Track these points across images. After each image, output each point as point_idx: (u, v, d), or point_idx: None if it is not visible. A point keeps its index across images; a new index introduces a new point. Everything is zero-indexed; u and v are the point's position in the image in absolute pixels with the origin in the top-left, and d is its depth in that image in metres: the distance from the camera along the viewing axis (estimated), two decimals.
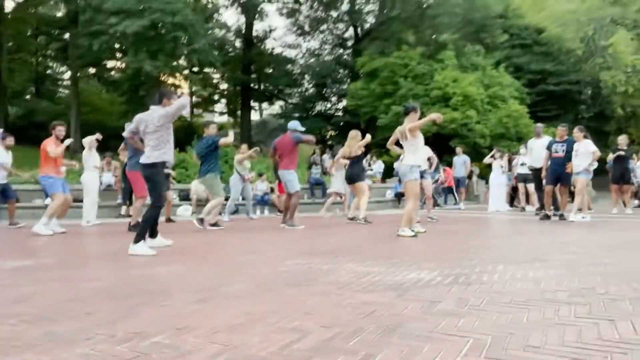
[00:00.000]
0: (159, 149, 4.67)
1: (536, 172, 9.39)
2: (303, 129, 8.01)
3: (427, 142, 7.79)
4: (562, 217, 8.09)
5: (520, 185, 11.31)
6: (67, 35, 24.02)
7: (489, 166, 12.14)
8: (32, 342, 1.88)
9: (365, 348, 1.74)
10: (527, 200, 11.40)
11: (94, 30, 17.73)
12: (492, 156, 11.72)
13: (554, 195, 8.61)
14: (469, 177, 15.10)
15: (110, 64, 27.12)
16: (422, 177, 6.36)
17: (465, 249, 4.61)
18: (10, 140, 8.50)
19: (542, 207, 9.71)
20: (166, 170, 6.09)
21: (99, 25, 17.44)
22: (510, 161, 12.10)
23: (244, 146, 10.54)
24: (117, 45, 19.71)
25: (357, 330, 1.95)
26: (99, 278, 3.32)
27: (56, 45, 28.03)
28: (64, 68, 30.45)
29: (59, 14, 24.49)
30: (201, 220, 7.13)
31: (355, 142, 8.22)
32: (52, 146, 7.02)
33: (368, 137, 8.29)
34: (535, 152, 9.40)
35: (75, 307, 2.44)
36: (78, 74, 23.68)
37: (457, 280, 2.98)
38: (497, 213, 10.80)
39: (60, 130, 7.18)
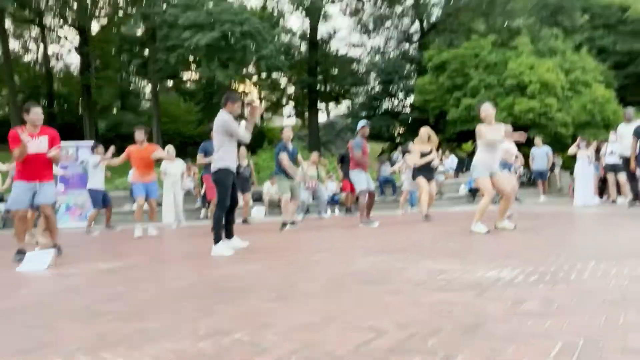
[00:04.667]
0: (220, 154, 4.88)
1: (627, 160, 8.62)
2: (361, 124, 8.15)
3: None
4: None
5: (610, 176, 10.42)
6: (146, 52, 25.73)
7: (573, 157, 11.31)
8: (124, 337, 2.02)
9: (444, 349, 1.68)
10: (619, 192, 10.49)
11: (170, 44, 18.85)
12: (577, 146, 10.92)
13: None
14: (551, 169, 14.19)
15: (185, 75, 28.68)
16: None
17: (550, 245, 4.32)
18: (101, 149, 9.25)
19: (635, 198, 8.90)
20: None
21: (174, 40, 18.50)
22: (598, 150, 11.20)
23: (315, 154, 10.84)
24: (191, 58, 20.79)
25: (435, 330, 1.89)
26: (182, 277, 3.51)
27: (137, 61, 30.12)
28: (145, 82, 32.62)
29: (139, 32, 26.27)
30: (292, 223, 7.59)
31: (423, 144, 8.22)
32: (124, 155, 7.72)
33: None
34: (626, 139, 8.63)
35: (161, 305, 2.59)
36: (157, 87, 25.26)
37: (542, 278, 2.79)
38: (585, 207, 10.04)
39: (137, 134, 7.67)
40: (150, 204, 7.83)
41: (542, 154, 12.51)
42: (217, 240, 4.75)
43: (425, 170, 8.15)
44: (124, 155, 7.71)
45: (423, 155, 8.13)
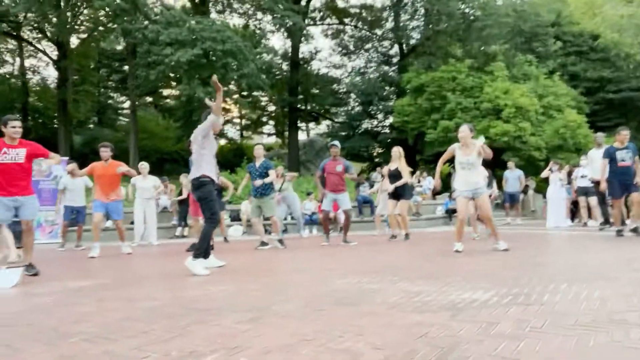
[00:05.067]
0: (199, 167, 4.83)
1: (598, 183, 8.87)
2: (329, 144, 8.42)
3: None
4: (635, 230, 7.39)
5: (581, 199, 10.70)
6: (126, 67, 25.54)
7: (546, 180, 11.59)
8: None
9: None
10: (590, 215, 10.76)
11: (151, 61, 18.75)
12: (550, 169, 11.19)
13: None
14: (524, 191, 14.49)
15: (165, 92, 28.51)
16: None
17: (523, 267, 4.38)
18: (70, 167, 9.06)
19: (606, 221, 9.12)
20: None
21: (155, 56, 18.42)
22: (570, 173, 11.51)
23: (279, 168, 10.94)
24: (171, 74, 20.69)
25: (411, 352, 1.88)
26: (154, 297, 3.42)
27: (116, 76, 29.87)
28: (123, 98, 32.29)
29: (119, 48, 26.09)
30: (280, 241, 7.79)
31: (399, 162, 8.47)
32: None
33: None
34: (597, 163, 8.87)
35: (131, 326, 2.52)
36: (136, 103, 25.01)
37: (515, 300, 2.83)
38: (557, 229, 10.25)
39: (102, 151, 7.46)
40: (116, 225, 7.67)
41: (514, 177, 12.82)
42: (197, 255, 4.64)
43: (394, 191, 8.39)
44: (87, 169, 7.52)
45: (389, 172, 8.48)
